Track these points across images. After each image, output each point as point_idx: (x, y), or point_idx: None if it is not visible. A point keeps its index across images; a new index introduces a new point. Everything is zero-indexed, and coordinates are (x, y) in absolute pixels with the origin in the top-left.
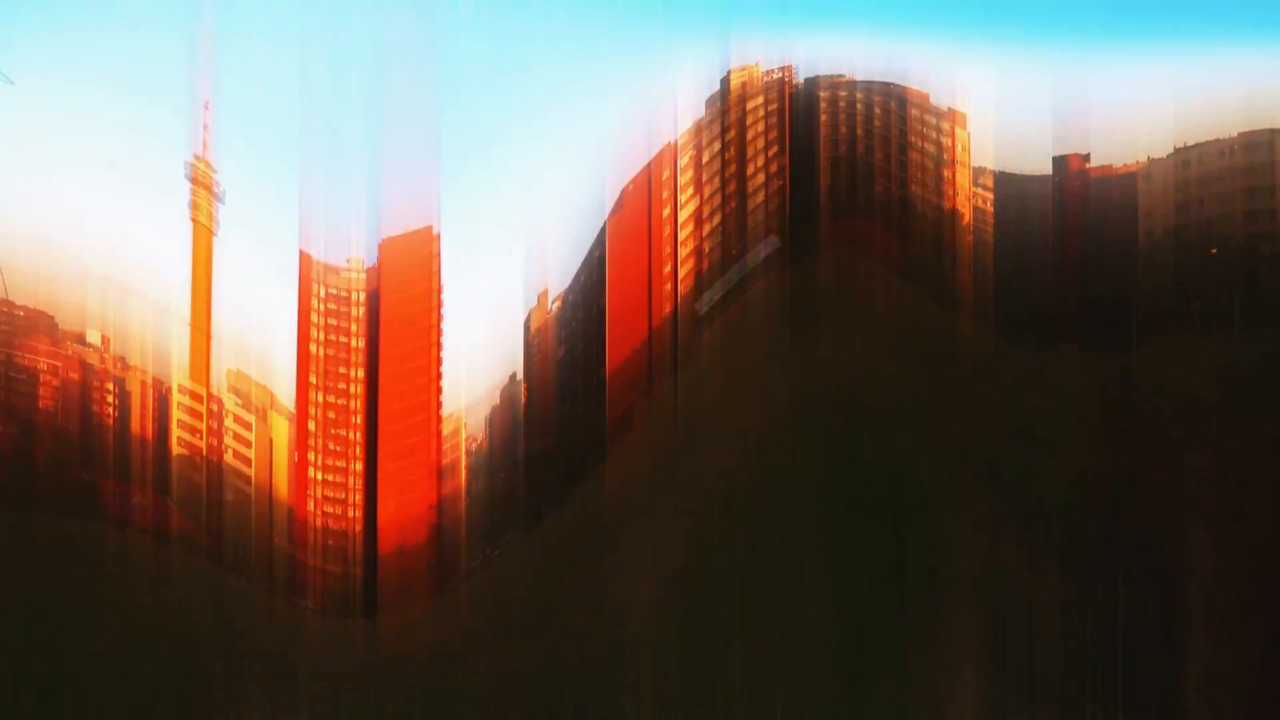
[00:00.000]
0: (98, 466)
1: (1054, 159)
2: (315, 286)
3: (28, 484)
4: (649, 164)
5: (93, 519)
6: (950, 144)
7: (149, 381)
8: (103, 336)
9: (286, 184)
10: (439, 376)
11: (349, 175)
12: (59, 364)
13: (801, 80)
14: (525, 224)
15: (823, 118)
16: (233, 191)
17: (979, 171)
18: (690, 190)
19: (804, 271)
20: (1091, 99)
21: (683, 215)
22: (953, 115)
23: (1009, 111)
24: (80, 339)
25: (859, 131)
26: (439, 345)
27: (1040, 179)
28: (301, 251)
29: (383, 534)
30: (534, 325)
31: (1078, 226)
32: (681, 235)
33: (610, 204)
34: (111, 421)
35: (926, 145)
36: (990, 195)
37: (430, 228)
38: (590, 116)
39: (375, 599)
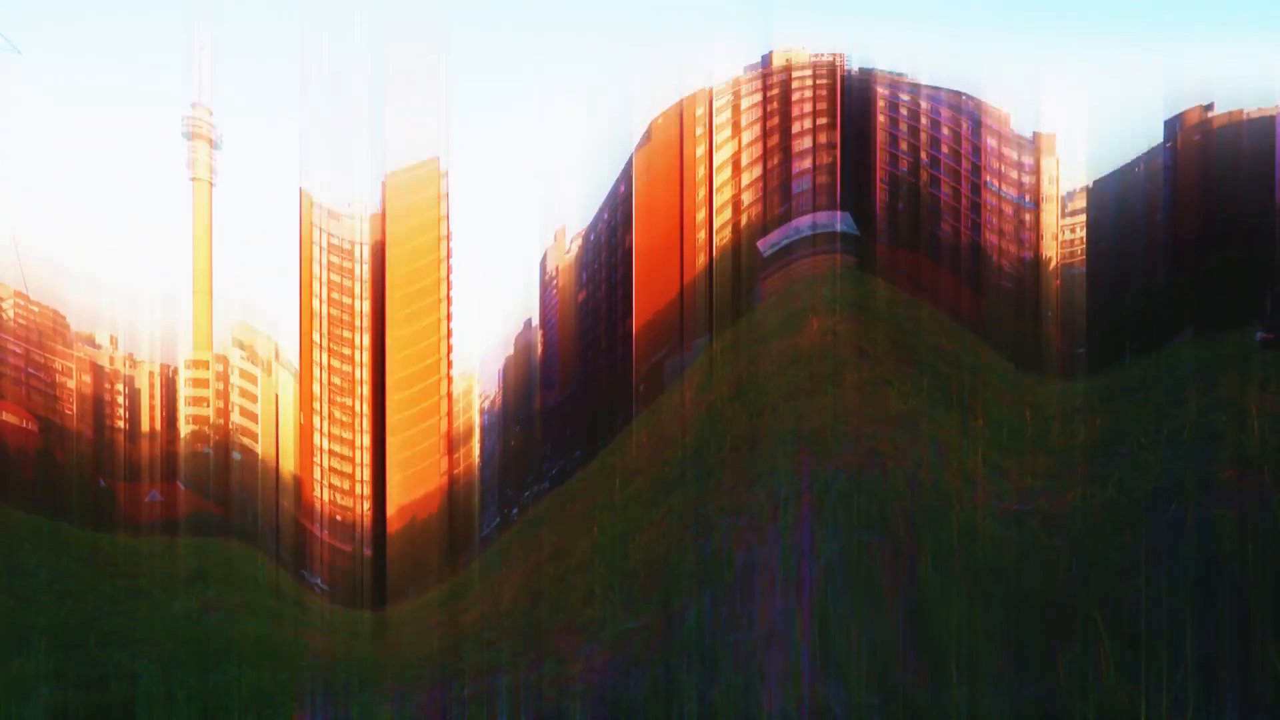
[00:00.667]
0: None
1: (1166, 122)
2: (317, 234)
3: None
4: (682, 100)
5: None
6: (1035, 181)
7: (156, 367)
8: (111, 337)
9: (287, 124)
10: (449, 334)
11: (353, 107)
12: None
13: (856, 69)
14: (541, 155)
15: (880, 118)
16: (231, 137)
17: (1070, 197)
18: (728, 132)
19: (860, 290)
20: (1209, 52)
21: (719, 159)
22: (1038, 142)
23: (1111, 84)
24: (91, 340)
25: (923, 156)
26: (449, 299)
27: (1150, 154)
28: (302, 190)
29: (392, 519)
30: (551, 267)
31: (1195, 189)
32: (718, 181)
33: (638, 136)
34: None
35: (1006, 186)
36: (1083, 220)
37: (437, 161)
38: (616, 53)
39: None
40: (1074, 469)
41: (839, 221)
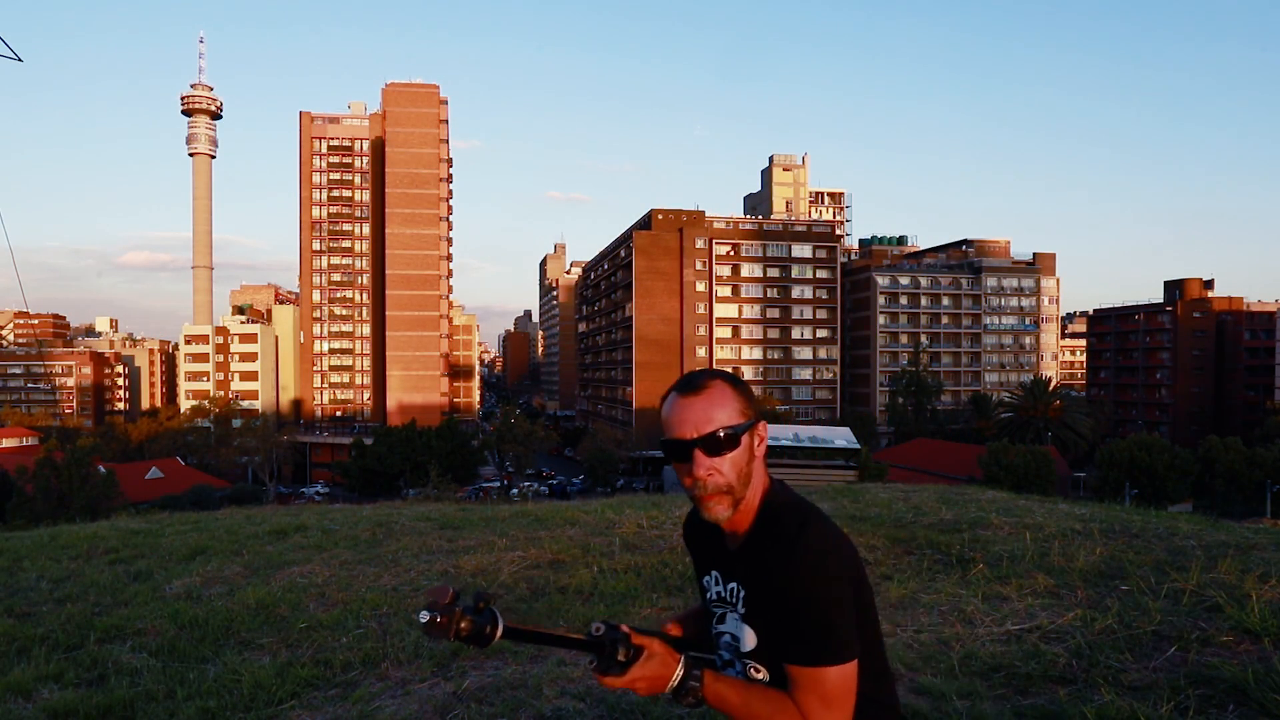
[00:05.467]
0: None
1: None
2: (317, 148)
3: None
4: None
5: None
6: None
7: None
8: (111, 321)
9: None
10: (449, 242)
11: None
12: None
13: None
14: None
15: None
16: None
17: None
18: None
19: (858, 503)
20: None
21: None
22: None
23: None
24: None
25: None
26: (449, 223)
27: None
28: (302, 113)
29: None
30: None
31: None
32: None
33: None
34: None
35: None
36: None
37: (436, 86)
38: None
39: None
40: (1074, 591)
41: (839, 437)
